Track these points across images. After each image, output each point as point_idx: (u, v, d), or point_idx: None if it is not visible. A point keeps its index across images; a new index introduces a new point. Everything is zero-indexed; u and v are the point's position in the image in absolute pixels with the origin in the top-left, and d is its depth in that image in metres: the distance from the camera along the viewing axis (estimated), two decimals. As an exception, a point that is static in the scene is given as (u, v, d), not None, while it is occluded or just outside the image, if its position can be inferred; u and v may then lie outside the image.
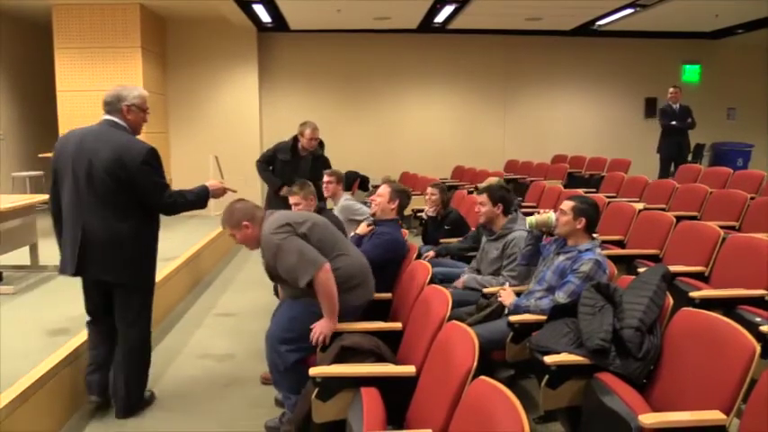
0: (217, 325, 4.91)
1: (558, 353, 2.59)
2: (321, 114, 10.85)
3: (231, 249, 7.84)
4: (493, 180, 4.98)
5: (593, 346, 2.50)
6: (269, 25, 9.95)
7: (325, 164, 5.62)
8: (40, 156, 8.04)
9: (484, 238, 3.98)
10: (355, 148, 10.74)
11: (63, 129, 8.78)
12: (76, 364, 3.43)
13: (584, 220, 3.16)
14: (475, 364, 1.95)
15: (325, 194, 5.14)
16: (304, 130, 5.35)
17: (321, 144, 5.74)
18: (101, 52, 8.79)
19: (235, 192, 3.58)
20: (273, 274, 3.10)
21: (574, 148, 10.57)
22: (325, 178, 5.13)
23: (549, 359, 2.53)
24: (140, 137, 3.30)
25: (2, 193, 7.71)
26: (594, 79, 11.30)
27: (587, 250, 3.15)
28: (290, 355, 2.95)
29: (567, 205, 3.22)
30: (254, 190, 10.33)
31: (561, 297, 3.04)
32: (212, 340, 4.56)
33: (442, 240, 4.91)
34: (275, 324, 3.09)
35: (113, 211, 3.13)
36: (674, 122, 8.85)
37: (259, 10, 8.88)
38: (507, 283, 3.54)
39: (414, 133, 11.11)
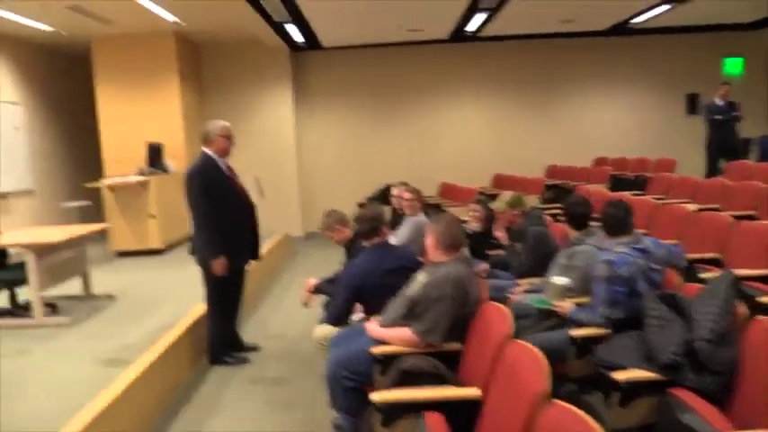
0: (268, 348, 4.89)
1: (626, 368, 2.49)
2: (357, 130, 10.94)
3: (277, 267, 7.86)
4: (506, 197, 4.79)
5: (665, 361, 2.39)
6: (302, 45, 10.03)
7: None
8: (87, 186, 8.21)
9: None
10: (393, 161, 10.73)
11: (107, 157, 8.98)
12: (137, 393, 3.45)
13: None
14: (547, 388, 1.87)
15: (408, 212, 5.27)
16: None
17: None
18: (139, 82, 9.01)
19: None
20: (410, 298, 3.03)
21: (615, 150, 10.35)
22: (407, 196, 5.25)
23: (620, 376, 2.43)
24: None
25: (53, 224, 7.90)
26: (632, 78, 11.05)
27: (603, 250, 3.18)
28: (346, 381, 2.97)
29: None
30: (292, 211, 10.41)
31: (605, 310, 2.96)
32: (265, 364, 4.56)
33: (489, 253, 4.82)
34: (342, 352, 3.09)
35: (191, 214, 4.32)
36: (717, 117, 8.56)
37: (291, 30, 8.95)
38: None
39: (451, 143, 11.03)
